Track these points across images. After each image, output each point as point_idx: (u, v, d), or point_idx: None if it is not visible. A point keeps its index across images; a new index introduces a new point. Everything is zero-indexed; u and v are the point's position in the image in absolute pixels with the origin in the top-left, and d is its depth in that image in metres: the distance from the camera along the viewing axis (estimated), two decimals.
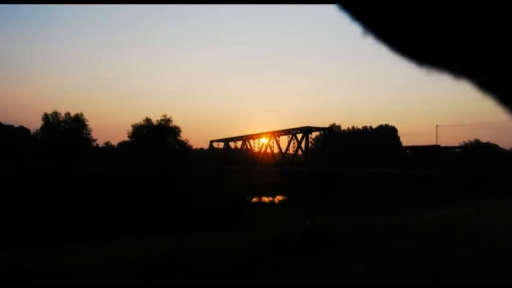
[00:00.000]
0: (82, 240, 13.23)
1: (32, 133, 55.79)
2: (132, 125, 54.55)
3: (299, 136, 53.34)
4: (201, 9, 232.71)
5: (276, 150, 58.63)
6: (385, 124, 73.89)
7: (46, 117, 51.35)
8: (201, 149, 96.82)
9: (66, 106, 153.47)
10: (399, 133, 73.48)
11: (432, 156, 45.08)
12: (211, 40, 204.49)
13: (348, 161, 48.70)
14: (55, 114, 51.83)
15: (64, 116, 52.33)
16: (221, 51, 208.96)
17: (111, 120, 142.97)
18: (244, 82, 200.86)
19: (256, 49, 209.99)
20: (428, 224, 10.71)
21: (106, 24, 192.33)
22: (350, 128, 78.74)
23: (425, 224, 10.81)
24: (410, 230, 9.62)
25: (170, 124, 55.43)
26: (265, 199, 43.66)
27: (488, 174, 34.80)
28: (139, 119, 56.12)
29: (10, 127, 58.80)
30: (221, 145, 76.47)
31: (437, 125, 73.75)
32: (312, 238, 7.66)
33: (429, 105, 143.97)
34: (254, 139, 64.03)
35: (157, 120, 55.59)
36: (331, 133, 60.90)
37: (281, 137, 57.96)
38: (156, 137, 51.89)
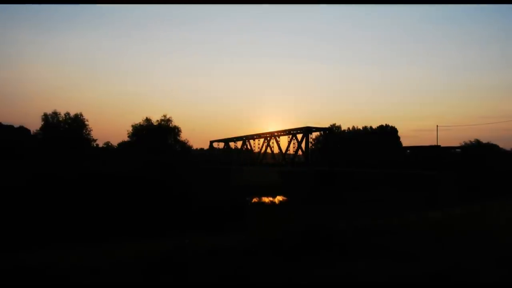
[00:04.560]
0: (83, 241, 13.22)
1: (32, 133, 55.76)
2: (132, 125, 54.59)
3: (299, 136, 53.23)
4: (201, 9, 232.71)
5: (276, 150, 58.60)
6: (386, 124, 73.79)
7: (46, 117, 51.32)
8: (201, 149, 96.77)
9: (66, 106, 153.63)
10: (399, 133, 73.42)
11: (432, 156, 45.05)
12: (212, 41, 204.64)
13: (348, 161, 48.62)
14: (55, 114, 51.80)
15: (64, 116, 52.31)
16: (222, 51, 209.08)
17: (111, 120, 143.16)
18: (244, 83, 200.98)
19: (256, 49, 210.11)
20: (428, 225, 10.70)
21: (107, 24, 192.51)
22: (350, 128, 78.70)
23: (425, 224, 10.80)
24: (411, 230, 9.61)
25: (170, 124, 55.46)
26: (265, 199, 43.60)
27: (488, 174, 34.77)
28: (139, 119, 56.17)
29: (10, 127, 58.74)
30: (221, 145, 76.33)
31: (437, 125, 73.84)
32: (312, 238, 7.66)
33: (430, 105, 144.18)
34: (254, 139, 63.96)
35: (157, 120, 55.59)
36: (331, 133, 60.78)
37: (281, 137, 57.90)
38: (156, 137, 51.86)
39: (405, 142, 72.21)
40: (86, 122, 53.25)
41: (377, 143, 61.67)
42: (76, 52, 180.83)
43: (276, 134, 58.58)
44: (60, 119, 52.16)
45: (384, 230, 9.15)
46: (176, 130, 55.44)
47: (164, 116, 55.53)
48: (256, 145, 63.45)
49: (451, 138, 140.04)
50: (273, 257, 6.67)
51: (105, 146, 60.06)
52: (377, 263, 6.42)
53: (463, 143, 47.59)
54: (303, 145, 52.61)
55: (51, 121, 51.50)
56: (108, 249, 8.85)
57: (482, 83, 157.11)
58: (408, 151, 53.22)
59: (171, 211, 23.64)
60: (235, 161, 65.60)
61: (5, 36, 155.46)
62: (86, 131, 53.32)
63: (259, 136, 62.77)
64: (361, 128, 77.44)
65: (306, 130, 52.51)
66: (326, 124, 67.40)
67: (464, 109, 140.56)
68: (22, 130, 59.07)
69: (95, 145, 55.73)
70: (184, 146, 56.81)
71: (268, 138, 59.52)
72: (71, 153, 42.91)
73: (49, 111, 52.83)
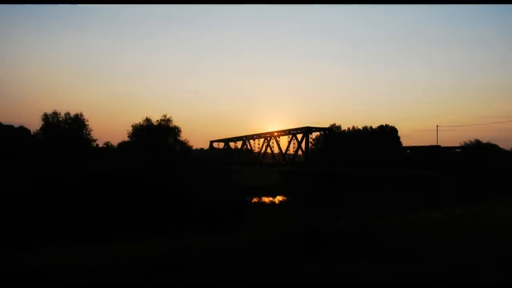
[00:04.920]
0: (83, 241, 13.22)
1: (32, 133, 55.79)
2: (132, 125, 54.63)
3: (299, 136, 53.28)
4: (201, 9, 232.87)
5: (276, 150, 58.64)
6: (385, 124, 73.80)
7: (46, 117, 51.34)
8: (201, 149, 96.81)
9: (66, 106, 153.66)
10: (399, 133, 73.44)
11: (432, 156, 45.06)
12: (212, 40, 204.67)
13: (348, 161, 48.64)
14: (55, 114, 51.81)
15: (64, 116, 52.32)
16: (222, 51, 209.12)
17: (111, 120, 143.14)
18: (244, 82, 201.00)
19: (257, 49, 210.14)
20: (428, 225, 10.70)
21: (107, 24, 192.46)
22: (350, 128, 78.73)
23: (425, 224, 10.80)
24: (411, 230, 9.62)
25: (170, 124, 55.50)
26: (265, 199, 43.61)
27: (489, 174, 34.76)
28: (139, 119, 56.21)
29: (10, 127, 58.76)
30: (221, 145, 76.37)
31: (437, 125, 73.94)
32: (312, 238, 7.67)
33: (430, 105, 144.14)
34: (254, 139, 63.99)
35: (157, 120, 55.64)
36: (331, 133, 60.78)
37: (281, 137, 57.95)
38: (156, 137, 51.88)
39: (405, 142, 72.23)
40: (86, 122, 53.29)
41: (377, 143, 61.66)
42: (77, 52, 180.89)
43: (276, 134, 58.61)
44: (60, 119, 52.17)
45: (384, 230, 9.15)
46: (176, 130, 55.44)
47: (164, 116, 55.54)
48: (256, 145, 63.49)
49: (451, 138, 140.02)
50: (273, 257, 6.67)
51: (105, 146, 60.08)
52: (377, 263, 6.42)
53: (463, 143, 47.62)
54: (303, 145, 52.63)
55: (51, 121, 51.51)
56: (108, 249, 8.85)
57: (482, 83, 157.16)
58: (408, 151, 53.23)
59: (171, 211, 23.64)
60: (235, 161, 65.59)
61: (5, 36, 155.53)
62: (86, 131, 53.34)
63: (259, 136, 62.80)
64: (361, 128, 77.47)
65: (306, 130, 52.55)
66: (326, 124, 67.40)
67: (464, 109, 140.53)
68: (22, 130, 59.08)
69: (95, 145, 55.75)
70: (184, 146, 56.80)
71: (268, 138, 59.56)
72: (71, 153, 42.91)
73: (49, 111, 52.87)
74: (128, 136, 53.99)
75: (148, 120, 54.24)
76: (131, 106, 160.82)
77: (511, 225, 10.80)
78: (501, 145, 52.20)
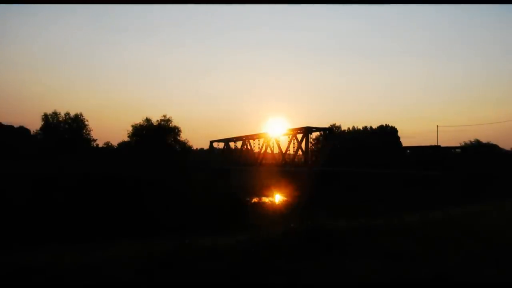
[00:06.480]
0: (82, 241, 13.23)
1: (32, 133, 55.86)
2: (132, 125, 54.63)
3: (299, 136, 53.37)
4: (202, 9, 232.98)
5: (276, 150, 58.71)
6: (385, 125, 73.86)
7: (46, 117, 51.43)
8: (201, 149, 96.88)
9: (66, 106, 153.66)
10: (399, 133, 73.45)
11: (432, 156, 45.10)
12: (212, 40, 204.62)
13: (348, 161, 48.69)
14: (55, 114, 51.92)
15: (64, 116, 52.40)
16: (222, 51, 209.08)
17: (111, 120, 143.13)
18: (245, 82, 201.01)
19: (257, 49, 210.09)
20: (428, 225, 10.69)
21: (106, 24, 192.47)
22: (350, 128, 78.79)
23: (425, 224, 10.79)
24: (411, 230, 9.61)
25: (170, 124, 55.50)
26: (265, 199, 43.59)
27: (489, 174, 34.78)
28: (139, 119, 56.24)
29: (10, 127, 58.79)
30: (221, 145, 76.50)
31: (437, 125, 74.06)
32: (312, 238, 7.66)
33: (430, 106, 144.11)
34: (254, 139, 64.05)
35: (157, 120, 55.67)
36: (331, 133, 60.85)
37: (281, 137, 58.10)
38: (156, 137, 51.85)
39: (405, 142, 72.24)
40: (86, 122, 53.39)
41: (377, 143, 61.72)
42: (77, 52, 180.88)
43: (276, 134, 58.72)
44: (60, 119, 52.29)
45: (384, 230, 9.15)
46: (176, 130, 55.44)
47: (164, 116, 55.51)
48: (256, 145, 63.59)
49: (451, 138, 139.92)
50: (273, 257, 6.67)
51: (105, 146, 60.17)
52: (377, 263, 6.42)
53: (463, 143, 47.66)
54: (303, 145, 52.73)
55: (51, 121, 51.62)
56: (108, 249, 8.85)
57: (483, 83, 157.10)
58: (408, 151, 53.28)
59: (171, 211, 23.63)
60: (235, 161, 65.67)
61: (5, 35, 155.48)
62: (86, 131, 53.44)
63: (259, 136, 62.88)
64: (361, 128, 77.50)
65: (306, 130, 52.64)
66: (326, 124, 67.48)
67: (464, 109, 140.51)
68: (22, 130, 59.13)
69: (95, 145, 55.83)
70: (184, 146, 56.82)
71: (268, 138, 59.64)
72: (71, 153, 42.95)
73: (49, 111, 53.01)
74: (128, 136, 54.01)
75: (148, 120, 54.20)
76: (131, 106, 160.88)
77: (511, 225, 10.81)
78: (501, 145, 52.30)
